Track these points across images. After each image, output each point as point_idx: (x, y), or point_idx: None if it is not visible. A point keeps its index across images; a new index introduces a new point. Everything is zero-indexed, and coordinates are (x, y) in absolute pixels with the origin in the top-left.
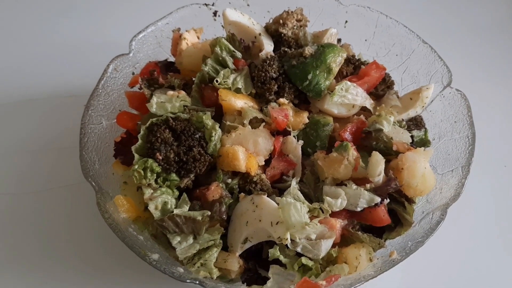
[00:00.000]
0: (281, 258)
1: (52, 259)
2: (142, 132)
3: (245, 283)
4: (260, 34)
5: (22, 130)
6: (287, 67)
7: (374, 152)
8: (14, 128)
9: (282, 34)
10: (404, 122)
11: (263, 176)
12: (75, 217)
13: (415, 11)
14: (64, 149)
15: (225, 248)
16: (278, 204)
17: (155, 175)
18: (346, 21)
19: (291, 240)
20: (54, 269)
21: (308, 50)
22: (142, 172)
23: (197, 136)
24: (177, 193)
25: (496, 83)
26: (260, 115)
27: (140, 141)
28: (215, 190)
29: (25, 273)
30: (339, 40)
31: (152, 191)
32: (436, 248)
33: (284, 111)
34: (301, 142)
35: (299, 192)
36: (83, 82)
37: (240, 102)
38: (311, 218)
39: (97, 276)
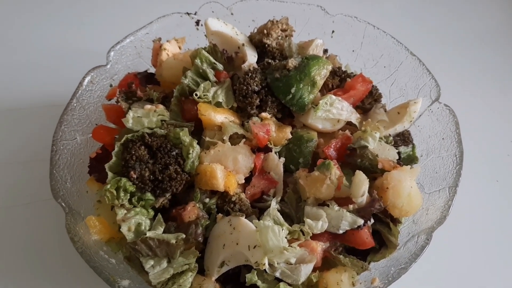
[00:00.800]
0: (259, 283)
1: (35, 271)
2: (116, 148)
3: None
4: (243, 45)
5: (5, 141)
6: (270, 79)
7: (357, 171)
8: None
9: (266, 45)
10: (391, 138)
11: (243, 195)
12: (60, 229)
13: (403, 22)
14: (47, 161)
15: (202, 271)
16: (256, 227)
17: (128, 194)
18: (333, 31)
19: (269, 264)
20: (38, 282)
21: (292, 62)
22: (114, 192)
23: (174, 153)
24: (152, 213)
25: (486, 97)
26: (240, 131)
27: (114, 158)
28: (192, 211)
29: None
30: (325, 51)
31: (125, 211)
32: (430, 262)
33: (266, 126)
34: (282, 159)
35: (279, 214)
36: (66, 91)
37: (220, 116)
38: (291, 240)
39: None
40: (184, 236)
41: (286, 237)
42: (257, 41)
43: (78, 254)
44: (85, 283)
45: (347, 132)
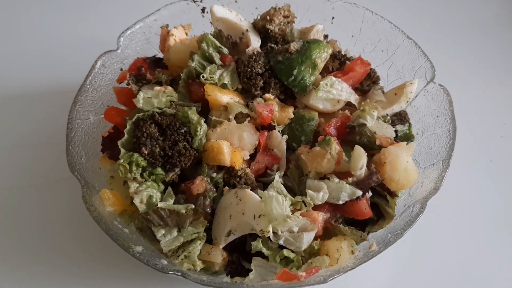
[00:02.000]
0: (264, 250)
1: (50, 250)
2: (128, 127)
3: (229, 275)
4: (247, 30)
5: (20, 125)
6: (273, 62)
7: (356, 146)
8: (11, 123)
9: (269, 30)
10: (389, 117)
11: (248, 170)
12: (73, 209)
13: (400, 7)
14: (62, 144)
15: (210, 241)
16: (260, 197)
17: (140, 169)
18: (333, 17)
19: (273, 232)
20: (53, 260)
21: (294, 46)
22: (127, 166)
23: (183, 131)
24: (162, 187)
25: (482, 78)
26: (245, 110)
27: (126, 136)
28: (200, 184)
29: (23, 265)
30: (325, 36)
31: (137, 185)
32: (424, 240)
33: (269, 106)
34: (285, 137)
35: (282, 186)
36: (75, 77)
37: (226, 97)
38: (294, 211)
39: (93, 266)
40: (193, 206)
41: (289, 208)
42: (260, 27)
43: (90, 230)
44: (97, 259)
45: (347, 111)
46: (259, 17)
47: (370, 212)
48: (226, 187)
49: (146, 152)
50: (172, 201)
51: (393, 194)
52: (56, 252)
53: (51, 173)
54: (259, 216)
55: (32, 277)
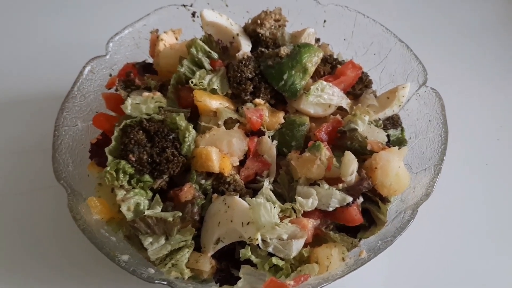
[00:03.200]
0: (252, 258)
1: (35, 259)
2: (115, 133)
3: (218, 283)
4: (238, 35)
5: (6, 131)
6: (263, 67)
7: (346, 152)
8: None
9: (260, 34)
10: (381, 121)
11: (237, 176)
12: (60, 217)
13: (392, 10)
14: (48, 151)
15: (198, 248)
16: (249, 204)
17: (127, 176)
18: (325, 21)
19: (262, 240)
20: (38, 269)
21: (284, 50)
22: (114, 173)
23: (171, 137)
24: (150, 194)
25: (476, 81)
26: (235, 116)
27: (113, 143)
28: (188, 191)
29: (8, 273)
30: (317, 40)
31: (125, 192)
32: (421, 242)
33: (259, 111)
34: (275, 142)
35: (271, 193)
36: (64, 83)
37: (215, 102)
38: (283, 218)
39: (79, 275)
40: (181, 214)
41: (278, 215)
42: (251, 31)
43: (76, 239)
44: (83, 268)
45: (338, 116)
46: (250, 21)
47: (361, 219)
48: (215, 194)
49: (133, 159)
50: (160, 209)
51: (385, 200)
52: (41, 262)
53: (37, 181)
54: (248, 223)
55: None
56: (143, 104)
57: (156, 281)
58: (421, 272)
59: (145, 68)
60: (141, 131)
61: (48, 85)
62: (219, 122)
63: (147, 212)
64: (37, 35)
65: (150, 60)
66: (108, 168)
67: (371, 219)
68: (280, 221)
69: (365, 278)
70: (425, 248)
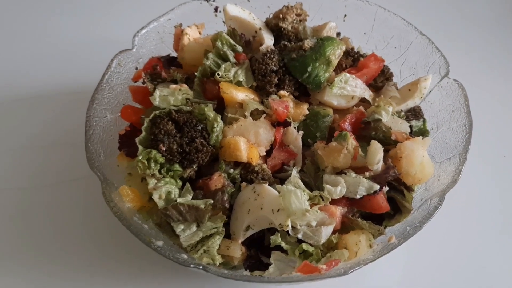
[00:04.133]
0: (283, 244)
1: (65, 250)
2: (145, 124)
3: (248, 270)
4: (260, 29)
5: (32, 126)
6: (287, 60)
7: (372, 141)
8: (24, 124)
9: (282, 28)
10: (403, 113)
11: (264, 166)
12: (86, 209)
13: (412, 3)
14: (74, 144)
15: (228, 236)
16: (279, 192)
17: (158, 165)
18: (345, 15)
19: (292, 227)
20: (67, 260)
21: (308, 43)
22: (146, 162)
23: (199, 127)
24: (180, 183)
25: (495, 73)
26: (261, 107)
27: (143, 133)
28: (218, 180)
29: (38, 265)
30: (338, 34)
31: (156, 181)
32: (437, 234)
33: (285, 103)
34: (301, 132)
35: (300, 181)
36: (90, 79)
37: (241, 94)
38: (312, 205)
39: (109, 266)
40: (212, 201)
41: (307, 202)
42: (273, 25)
43: (106, 230)
44: (113, 257)
45: (361, 108)
46: (271, 16)
47: (388, 206)
48: (244, 182)
49: (164, 148)
50: (191, 197)
51: (410, 189)
52: (70, 252)
53: (64, 174)
54: (278, 210)
55: (47, 277)
56: (171, 95)
57: (191, 266)
58: (437, 265)
59: (169, 61)
60: (170, 122)
61: (73, 81)
62: (246, 113)
63: (179, 200)
64: (63, 31)
65: (174, 54)
66: (140, 157)
67: (396, 207)
68: (310, 208)
69: (382, 271)
70: (441, 241)
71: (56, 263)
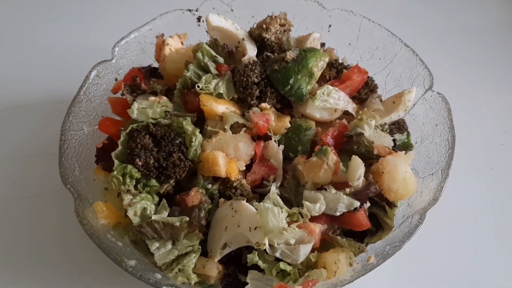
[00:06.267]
0: (260, 263)
1: (41, 264)
2: (122, 138)
3: None
4: (243, 39)
5: (12, 136)
6: (269, 71)
7: (353, 156)
8: (5, 134)
9: (266, 39)
10: (387, 126)
11: (244, 181)
12: (65, 222)
13: (397, 15)
14: (54, 155)
15: (205, 254)
16: (256, 209)
17: (134, 181)
18: (330, 25)
19: (269, 245)
20: (43, 274)
21: (290, 54)
22: (121, 178)
23: (177, 141)
24: (157, 199)
25: (482, 86)
26: (241, 120)
27: (120, 147)
28: (195, 196)
29: (15, 278)
30: (322, 44)
31: (131, 197)
32: (426, 247)
33: (265, 115)
34: (282, 147)
35: (278, 197)
36: (69, 88)
37: (222, 107)
38: (290, 223)
39: (85, 280)
40: (187, 219)
41: (285, 219)
42: (256, 35)
43: (82, 244)
44: (89, 273)
45: (344, 121)
46: (255, 26)
47: (368, 223)
48: (222, 198)
49: (140, 163)
50: (167, 213)
51: (392, 205)
52: (46, 267)
53: (43, 185)
54: (255, 228)
55: None
56: (149, 108)
57: (163, 287)
58: (427, 278)
59: (151, 72)
60: (147, 136)
61: (54, 90)
62: (226, 127)
63: (154, 217)
64: (43, 40)
65: (156, 65)
66: (115, 173)
67: (378, 224)
68: (288, 226)
69: (370, 284)
70: (430, 254)
71: (31, 278)
